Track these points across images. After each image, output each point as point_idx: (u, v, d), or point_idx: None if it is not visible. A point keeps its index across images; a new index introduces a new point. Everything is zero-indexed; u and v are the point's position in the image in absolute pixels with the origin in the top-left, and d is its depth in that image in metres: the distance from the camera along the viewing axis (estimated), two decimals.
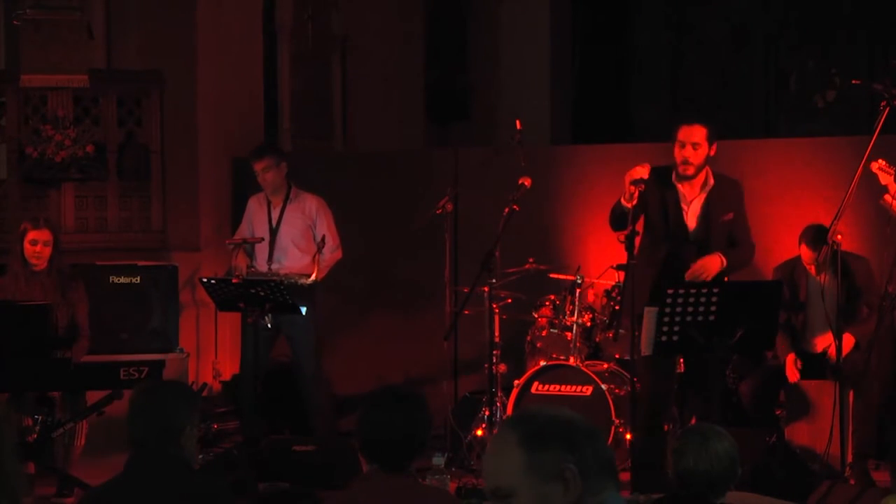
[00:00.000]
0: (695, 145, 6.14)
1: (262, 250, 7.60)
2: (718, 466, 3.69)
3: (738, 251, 6.39)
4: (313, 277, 7.43)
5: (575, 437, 2.26)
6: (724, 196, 6.24)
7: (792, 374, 6.75)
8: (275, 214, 7.64)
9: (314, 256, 7.56)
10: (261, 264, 7.59)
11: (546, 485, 2.24)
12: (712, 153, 6.23)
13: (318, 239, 7.51)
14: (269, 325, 7.01)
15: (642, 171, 5.95)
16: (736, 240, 6.39)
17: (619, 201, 6.15)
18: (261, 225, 7.66)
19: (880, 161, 6.44)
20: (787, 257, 6.94)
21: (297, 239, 7.61)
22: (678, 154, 6.18)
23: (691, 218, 6.31)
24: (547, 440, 2.26)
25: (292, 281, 7.32)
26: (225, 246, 7.78)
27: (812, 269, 6.77)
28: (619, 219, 6.09)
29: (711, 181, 6.25)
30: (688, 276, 6.16)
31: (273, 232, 7.61)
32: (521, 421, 2.33)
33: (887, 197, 6.55)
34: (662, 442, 6.25)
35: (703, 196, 6.28)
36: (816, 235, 6.70)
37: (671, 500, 3.85)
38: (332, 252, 7.57)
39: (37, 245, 6.71)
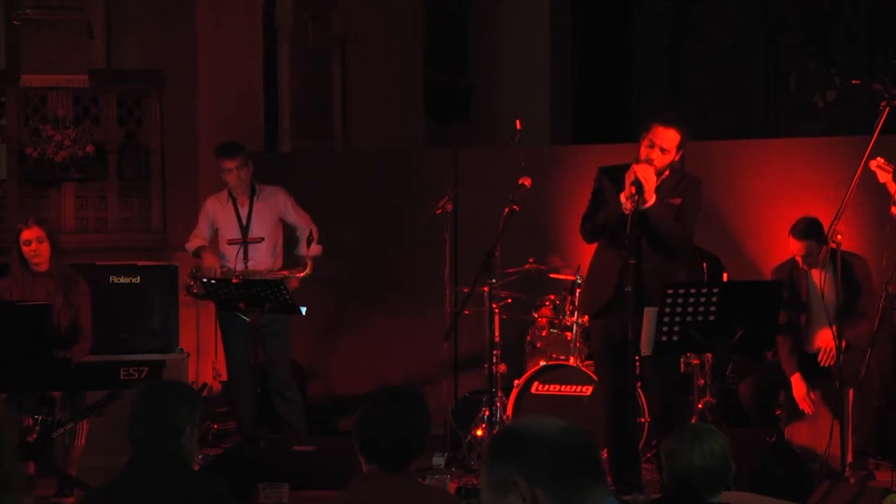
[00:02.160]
0: (663, 150, 5.96)
1: (232, 249, 7.50)
2: (713, 464, 3.70)
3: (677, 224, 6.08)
4: (306, 272, 7.40)
5: (522, 449, 2.33)
6: (677, 185, 6.09)
7: (805, 404, 6.72)
8: (243, 212, 7.54)
9: (297, 249, 7.55)
10: (234, 263, 7.51)
11: (505, 498, 2.32)
12: (676, 158, 6.04)
13: (298, 230, 7.51)
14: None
15: (642, 169, 5.91)
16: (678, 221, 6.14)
17: (602, 205, 6.06)
18: (229, 224, 7.55)
19: (878, 159, 6.44)
20: (786, 257, 6.94)
21: (268, 234, 7.56)
22: (643, 152, 5.97)
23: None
24: (497, 455, 2.35)
25: (285, 277, 7.32)
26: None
27: (800, 260, 6.77)
28: (615, 222, 5.97)
29: (667, 173, 6.06)
30: (628, 177, 5.87)
31: (244, 230, 7.56)
32: (491, 438, 2.45)
33: (894, 209, 6.54)
34: (633, 444, 6.25)
35: (657, 183, 6.11)
36: (805, 227, 6.70)
37: (669, 500, 3.85)
38: (317, 242, 7.53)
39: (31, 244, 6.70)
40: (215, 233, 7.62)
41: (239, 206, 7.55)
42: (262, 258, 7.51)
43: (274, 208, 7.58)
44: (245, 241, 7.53)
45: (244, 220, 7.53)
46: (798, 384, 6.71)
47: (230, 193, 7.58)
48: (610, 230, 6.03)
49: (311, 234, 7.35)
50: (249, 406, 7.39)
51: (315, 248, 7.46)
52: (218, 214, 7.61)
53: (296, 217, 7.59)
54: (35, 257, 6.71)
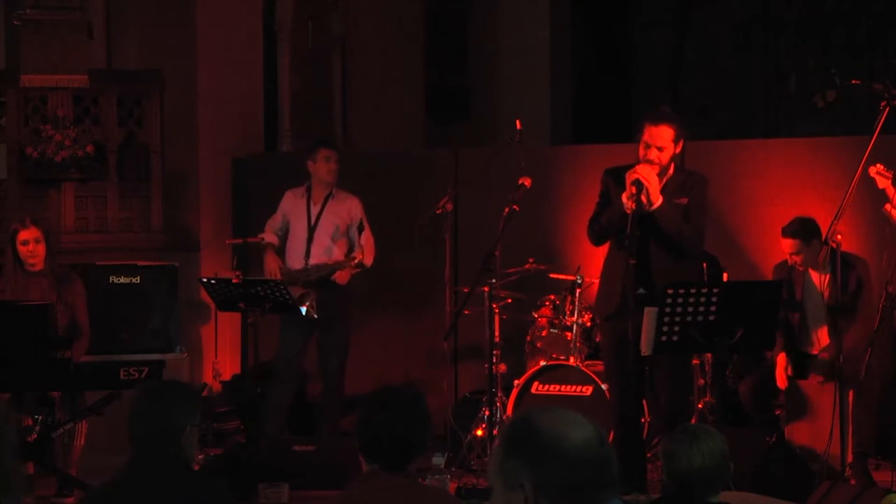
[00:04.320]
0: (659, 148, 5.94)
1: (297, 247, 7.57)
2: (711, 463, 3.71)
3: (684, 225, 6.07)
4: (359, 259, 7.42)
5: (538, 454, 2.28)
6: (683, 184, 6.07)
7: (781, 380, 6.74)
8: (314, 210, 7.61)
9: (350, 248, 7.58)
10: (295, 261, 7.53)
11: (511, 492, 2.29)
12: (678, 150, 6.03)
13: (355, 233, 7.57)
14: (314, 316, 7.12)
15: (644, 171, 5.92)
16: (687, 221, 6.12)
17: (608, 206, 6.08)
18: (299, 220, 7.63)
19: (878, 165, 6.45)
20: (786, 257, 6.94)
21: (335, 236, 7.59)
22: (642, 153, 5.97)
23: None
24: (514, 449, 2.30)
25: (339, 266, 7.41)
26: (225, 246, 7.76)
27: (789, 259, 6.78)
28: (616, 222, 5.98)
29: (671, 171, 6.06)
30: (629, 177, 5.87)
31: (311, 228, 7.59)
32: (513, 422, 2.37)
33: (888, 207, 6.55)
34: (639, 447, 6.26)
35: (662, 183, 6.05)
36: (793, 226, 6.72)
37: (668, 500, 3.85)
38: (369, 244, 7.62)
39: (28, 245, 6.71)
40: (287, 226, 7.66)
41: (312, 204, 7.60)
42: (325, 258, 7.54)
43: (344, 214, 7.61)
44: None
45: (313, 218, 7.57)
46: (780, 361, 6.74)
47: (308, 189, 7.64)
48: (613, 231, 6.03)
49: (360, 224, 7.53)
50: (287, 402, 7.45)
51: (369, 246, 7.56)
52: (291, 208, 7.68)
53: (362, 236, 7.58)
54: (31, 258, 6.71)
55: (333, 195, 7.63)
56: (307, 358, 7.65)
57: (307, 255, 7.53)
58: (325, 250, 7.54)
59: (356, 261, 7.44)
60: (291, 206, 7.68)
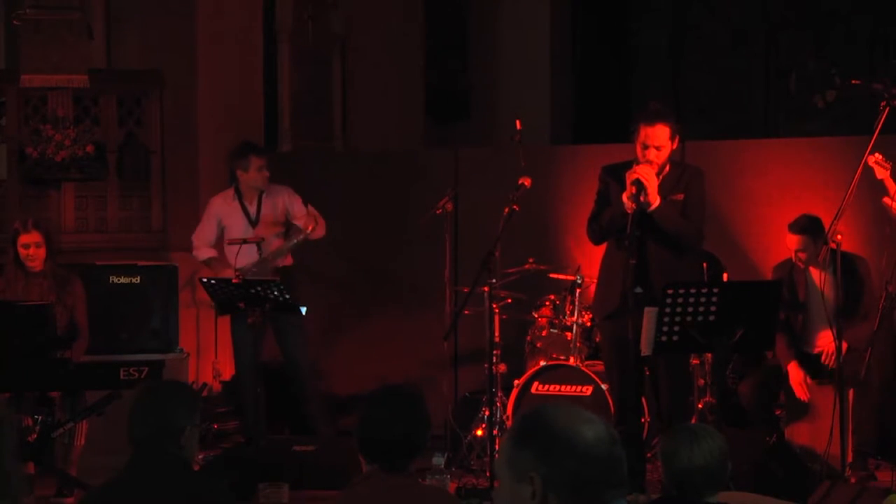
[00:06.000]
0: (657, 148, 5.97)
1: (233, 249, 7.47)
2: (713, 463, 3.71)
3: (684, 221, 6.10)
4: (309, 229, 7.40)
5: (551, 448, 2.27)
6: (679, 179, 6.10)
7: (801, 391, 6.70)
8: (252, 209, 7.62)
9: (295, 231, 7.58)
10: (244, 259, 7.43)
11: (518, 484, 2.28)
12: (674, 146, 6.06)
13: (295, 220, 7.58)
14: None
15: (644, 170, 5.92)
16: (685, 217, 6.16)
17: (607, 205, 6.09)
18: (237, 223, 7.60)
19: (877, 155, 6.45)
20: (786, 256, 6.94)
21: (277, 228, 7.63)
22: (640, 154, 6.00)
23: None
24: (525, 441, 2.30)
25: (290, 244, 7.43)
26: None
27: (794, 256, 6.77)
28: (617, 222, 5.99)
29: (667, 168, 6.09)
30: (629, 177, 5.90)
31: (254, 223, 7.60)
32: (526, 415, 2.37)
33: (887, 199, 6.56)
34: (639, 447, 6.25)
35: (658, 181, 6.07)
36: (802, 223, 6.72)
37: (668, 500, 3.85)
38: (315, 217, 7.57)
39: (29, 248, 6.72)
40: (222, 232, 7.64)
41: (247, 204, 7.59)
42: (267, 249, 7.54)
43: (281, 205, 7.65)
44: (244, 241, 7.54)
45: (253, 216, 7.58)
46: (795, 371, 6.72)
47: (237, 191, 7.61)
48: (614, 230, 6.04)
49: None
50: (258, 404, 7.41)
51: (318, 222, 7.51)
52: (225, 213, 7.66)
53: (300, 210, 7.59)
54: (31, 260, 6.73)
55: (265, 190, 7.66)
56: (264, 353, 7.64)
57: (259, 251, 7.51)
58: (271, 245, 7.56)
59: (310, 229, 7.40)
60: (225, 210, 7.66)
